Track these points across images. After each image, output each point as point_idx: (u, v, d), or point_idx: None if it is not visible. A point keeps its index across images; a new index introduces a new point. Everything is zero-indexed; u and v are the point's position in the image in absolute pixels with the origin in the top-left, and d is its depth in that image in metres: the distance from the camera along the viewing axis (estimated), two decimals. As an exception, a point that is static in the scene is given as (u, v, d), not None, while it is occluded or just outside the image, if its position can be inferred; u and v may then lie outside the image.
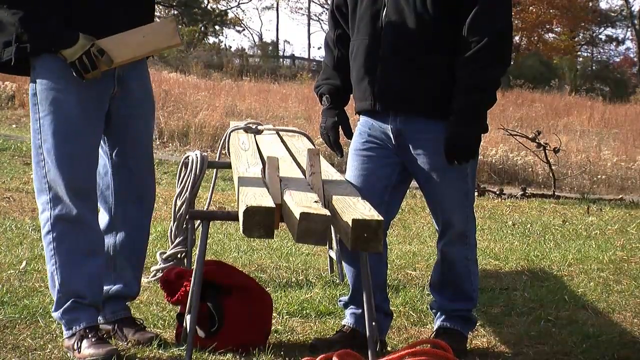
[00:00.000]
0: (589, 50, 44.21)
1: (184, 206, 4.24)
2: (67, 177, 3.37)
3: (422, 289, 4.65)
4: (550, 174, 10.46)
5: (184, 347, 3.36)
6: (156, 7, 3.88)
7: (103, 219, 3.63)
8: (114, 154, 3.59)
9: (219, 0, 42.99)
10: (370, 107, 3.56)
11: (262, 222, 2.71)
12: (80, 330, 3.39)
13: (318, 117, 11.72)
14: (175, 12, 36.34)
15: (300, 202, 2.78)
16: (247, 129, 4.45)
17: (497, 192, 9.58)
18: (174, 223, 4.32)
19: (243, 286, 3.65)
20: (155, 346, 3.50)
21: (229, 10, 44.47)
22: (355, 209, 2.87)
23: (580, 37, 42.72)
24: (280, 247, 5.90)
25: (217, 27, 41.46)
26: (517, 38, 36.62)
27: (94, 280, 3.45)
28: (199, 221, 4.33)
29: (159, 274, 4.32)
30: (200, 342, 3.48)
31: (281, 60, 38.07)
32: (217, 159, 4.87)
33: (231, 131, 4.43)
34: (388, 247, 3.87)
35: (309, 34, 61.88)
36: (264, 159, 3.64)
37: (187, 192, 4.22)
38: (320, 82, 3.78)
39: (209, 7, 41.44)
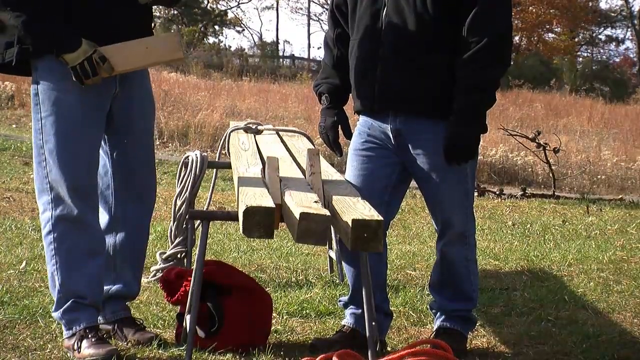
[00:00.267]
0: (589, 50, 44.22)
1: (183, 206, 4.24)
2: (69, 177, 3.37)
3: (422, 289, 4.65)
4: (550, 174, 10.46)
5: (184, 347, 3.36)
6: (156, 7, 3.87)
7: (103, 219, 3.63)
8: (114, 154, 3.59)
9: (218, 0, 43.02)
10: (369, 107, 3.57)
11: (262, 222, 2.71)
12: (80, 330, 3.39)
13: (318, 117, 11.74)
14: (175, 12, 36.34)
15: (300, 202, 2.78)
16: (247, 129, 4.45)
17: (497, 192, 9.58)
18: (173, 223, 4.32)
19: (243, 286, 3.65)
20: (155, 346, 3.50)
21: (228, 10, 44.52)
22: (355, 209, 2.87)
23: (580, 37, 42.71)
24: (280, 247, 5.90)
25: (217, 27, 41.48)
26: (517, 38, 36.62)
27: (94, 280, 3.45)
28: (198, 221, 4.33)
29: (159, 274, 4.32)
30: (200, 342, 3.48)
31: (281, 60, 38.05)
32: (217, 159, 4.87)
33: (231, 131, 4.43)
34: (388, 247, 3.87)
35: (309, 34, 61.93)
36: (263, 159, 3.64)
37: (187, 192, 4.22)
38: (319, 81, 3.78)
39: (209, 7, 41.46)
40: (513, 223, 7.60)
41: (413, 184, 3.72)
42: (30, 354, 3.38)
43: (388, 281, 4.17)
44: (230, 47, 39.19)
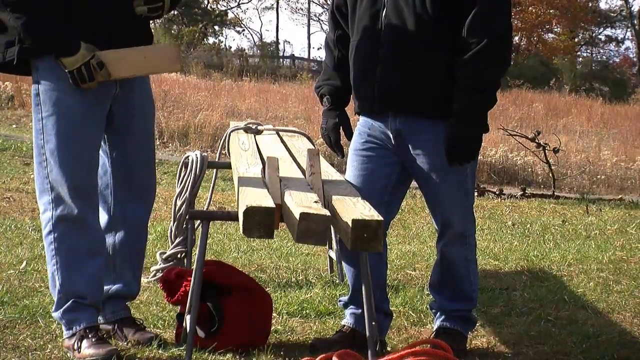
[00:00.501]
0: (588, 50, 44.22)
1: (184, 206, 4.24)
2: (70, 177, 3.37)
3: (422, 289, 4.65)
4: (550, 174, 10.46)
5: (184, 347, 3.36)
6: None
7: (102, 218, 3.63)
8: (114, 154, 3.59)
9: (219, 0, 43.02)
10: (369, 107, 3.57)
11: (262, 222, 2.71)
12: (81, 330, 3.39)
13: (318, 117, 11.72)
14: (175, 12, 36.33)
15: (300, 202, 2.78)
16: (247, 129, 4.45)
17: (497, 192, 9.59)
18: (173, 223, 4.32)
19: (243, 286, 3.65)
20: (155, 346, 3.50)
21: (228, 11, 44.52)
22: (355, 209, 2.87)
23: (580, 37, 42.71)
24: (280, 247, 5.90)
25: (217, 28, 41.50)
26: (516, 38, 36.61)
27: (95, 280, 3.45)
28: (198, 221, 4.33)
29: (159, 274, 4.32)
30: (200, 342, 3.48)
31: (281, 60, 38.06)
32: (217, 159, 4.87)
33: (231, 131, 4.43)
34: (388, 247, 3.87)
35: (309, 34, 61.68)
36: (263, 159, 3.64)
37: (187, 192, 4.22)
38: (320, 82, 3.78)
39: (209, 7, 41.47)
40: (513, 223, 7.60)
41: (413, 184, 3.72)
42: (30, 354, 3.38)
43: (388, 281, 4.17)
44: (230, 47, 39.25)
